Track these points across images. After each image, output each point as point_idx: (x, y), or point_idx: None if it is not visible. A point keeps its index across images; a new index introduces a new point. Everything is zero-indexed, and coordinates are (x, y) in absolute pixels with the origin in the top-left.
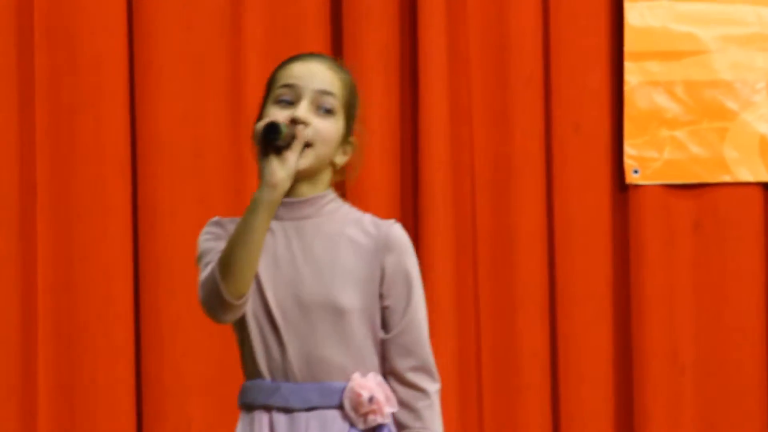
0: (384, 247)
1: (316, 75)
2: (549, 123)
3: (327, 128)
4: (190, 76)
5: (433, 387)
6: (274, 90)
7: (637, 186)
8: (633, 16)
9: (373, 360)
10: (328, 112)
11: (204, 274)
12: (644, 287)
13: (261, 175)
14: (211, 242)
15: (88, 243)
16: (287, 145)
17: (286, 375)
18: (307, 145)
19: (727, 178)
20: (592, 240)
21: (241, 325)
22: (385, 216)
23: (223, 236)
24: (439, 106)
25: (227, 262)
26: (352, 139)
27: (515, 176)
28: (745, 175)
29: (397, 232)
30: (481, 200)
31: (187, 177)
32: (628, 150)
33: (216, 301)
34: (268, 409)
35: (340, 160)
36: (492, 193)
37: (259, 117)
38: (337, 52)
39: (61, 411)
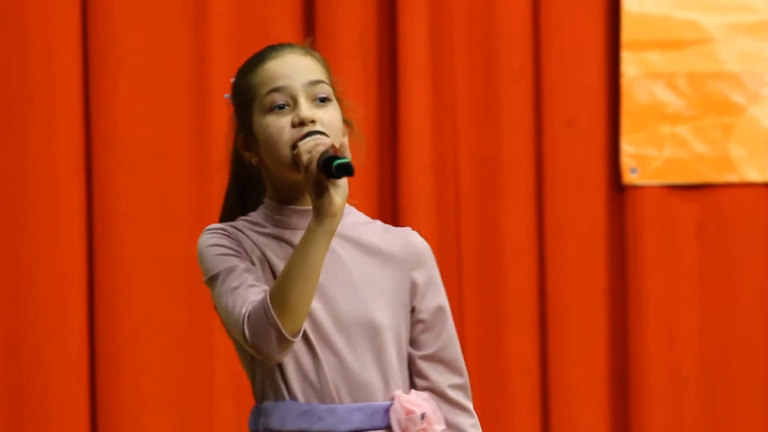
0: (413, 259)
1: (299, 68)
2: (540, 119)
3: (331, 117)
4: (151, 68)
5: (471, 405)
6: (258, 98)
7: (635, 187)
8: (631, 2)
9: (401, 377)
10: (324, 100)
11: (243, 306)
12: (643, 297)
13: (317, 205)
14: (231, 258)
15: (39, 250)
16: (349, 173)
17: (322, 396)
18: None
19: (732, 178)
20: (586, 246)
21: None
22: None
23: (241, 251)
24: (421, 101)
25: (285, 299)
26: (346, 118)
27: (503, 178)
28: (753, 175)
29: (421, 242)
30: (466, 205)
31: (146, 178)
32: (626, 148)
33: (272, 340)
34: None
35: (342, 143)
36: (478, 197)
37: (243, 130)
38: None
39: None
